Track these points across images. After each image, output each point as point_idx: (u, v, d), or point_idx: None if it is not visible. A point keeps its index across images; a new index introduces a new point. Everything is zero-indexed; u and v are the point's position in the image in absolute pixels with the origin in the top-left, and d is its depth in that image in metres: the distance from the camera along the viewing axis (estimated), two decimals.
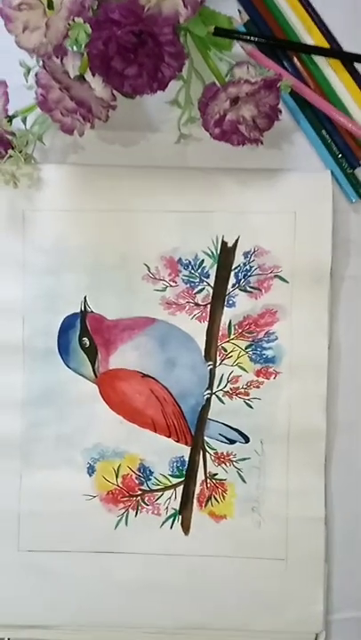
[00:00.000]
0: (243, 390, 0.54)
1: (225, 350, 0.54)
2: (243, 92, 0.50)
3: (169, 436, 0.54)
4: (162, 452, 0.54)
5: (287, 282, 0.54)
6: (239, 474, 0.54)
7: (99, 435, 0.54)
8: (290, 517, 0.53)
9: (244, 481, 0.54)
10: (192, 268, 0.54)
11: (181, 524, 0.54)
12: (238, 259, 0.54)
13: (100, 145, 0.56)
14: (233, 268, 0.54)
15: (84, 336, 0.54)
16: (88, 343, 0.54)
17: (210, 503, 0.54)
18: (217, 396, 0.54)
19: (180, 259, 0.54)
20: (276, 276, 0.54)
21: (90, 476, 0.54)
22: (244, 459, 0.54)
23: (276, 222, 0.54)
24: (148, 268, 0.54)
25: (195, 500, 0.54)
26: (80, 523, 0.54)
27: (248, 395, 0.54)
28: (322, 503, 0.54)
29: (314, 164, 0.56)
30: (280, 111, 0.52)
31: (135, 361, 0.54)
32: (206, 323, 0.54)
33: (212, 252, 0.54)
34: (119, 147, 0.56)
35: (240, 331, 0.54)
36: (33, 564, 0.54)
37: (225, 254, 0.54)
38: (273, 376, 0.54)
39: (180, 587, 0.53)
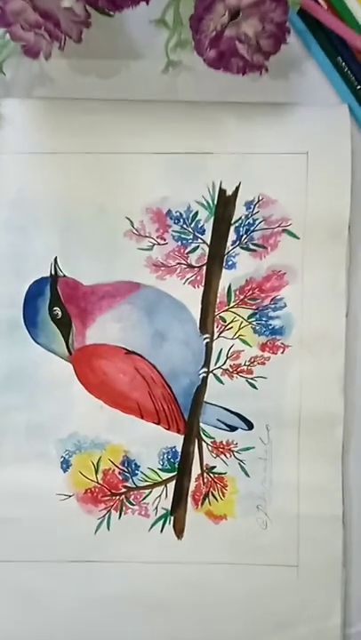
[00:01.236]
0: (245, 368, 0.49)
1: (224, 321, 0.49)
2: (244, 3, 0.43)
3: (158, 423, 0.49)
4: (150, 443, 0.49)
5: (298, 238, 0.48)
6: (241, 466, 0.49)
7: (74, 423, 0.49)
8: (302, 516, 0.48)
9: (247, 475, 0.49)
10: (184, 223, 0.49)
11: (174, 526, 0.49)
12: (239, 210, 0.49)
13: (72, 76, 0.50)
14: (233, 221, 0.49)
15: (55, 305, 0.49)
16: (60, 314, 0.49)
17: (207, 501, 0.49)
18: (215, 374, 0.49)
19: (169, 211, 0.49)
20: (284, 230, 0.49)
21: (64, 471, 0.49)
22: (248, 448, 0.49)
23: (285, 166, 0.48)
24: (130, 222, 0.49)
25: (189, 499, 0.49)
26: (53, 527, 0.49)
27: (251, 373, 0.49)
28: (339, 499, 0.48)
29: (328, 97, 0.50)
30: (288, 31, 0.45)
31: (117, 334, 0.49)
32: (201, 288, 0.49)
33: (208, 203, 0.49)
34: (95, 78, 0.50)
35: (242, 297, 0.49)
36: (1, 576, 0.49)
37: (223, 205, 0.49)
38: (281, 350, 0.49)
39: (173, 601, 0.48)
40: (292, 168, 0.48)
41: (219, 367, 0.49)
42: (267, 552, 0.48)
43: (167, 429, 0.49)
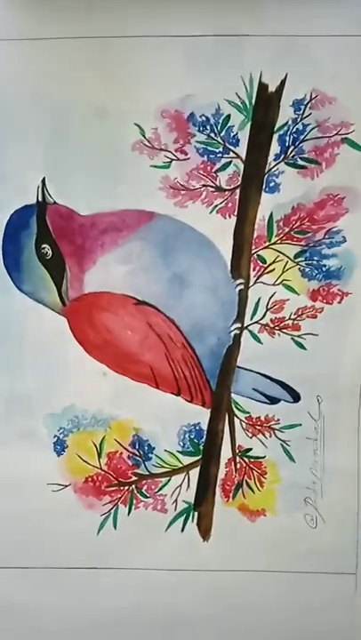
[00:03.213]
0: (291, 322, 0.43)
1: (263, 261, 0.43)
2: None
3: (177, 394, 0.44)
4: (167, 418, 0.44)
5: None
6: (285, 449, 0.44)
7: (71, 393, 0.44)
8: None
9: (292, 459, 0.44)
10: (211, 130, 0.42)
11: (198, 524, 0.44)
12: (286, 113, 0.42)
13: None
14: (276, 128, 0.42)
15: (43, 242, 0.43)
16: (50, 253, 0.43)
17: (241, 493, 0.44)
18: (250, 331, 0.44)
19: (192, 114, 0.42)
20: (344, 139, 0.42)
21: (58, 455, 0.44)
22: (293, 426, 0.44)
23: (345, 52, 0.41)
24: (141, 130, 0.43)
25: (218, 490, 0.44)
26: (44, 525, 0.44)
27: (299, 329, 0.43)
28: None
29: None
30: None
31: (124, 279, 0.43)
32: (234, 218, 0.43)
33: (244, 103, 0.42)
34: None
35: (287, 230, 0.43)
36: None
37: (264, 105, 0.42)
38: (338, 299, 0.43)
39: (198, 618, 0.44)
40: (357, 56, 0.42)
41: (256, 322, 0.43)
42: (318, 557, 0.44)
43: (189, 401, 0.44)
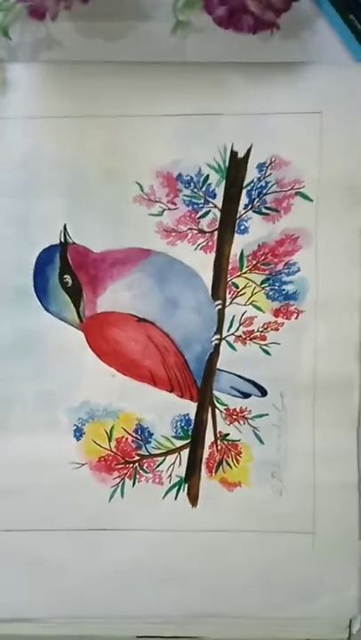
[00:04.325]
0: (258, 334, 0.48)
1: (236, 286, 0.48)
2: None
3: (171, 391, 0.48)
4: (163, 410, 0.48)
5: (311, 200, 0.47)
6: (256, 433, 0.48)
7: (87, 391, 0.48)
8: (317, 484, 0.48)
9: (261, 442, 0.48)
10: (195, 186, 0.47)
11: (188, 493, 0.48)
12: (251, 173, 0.47)
13: (78, 39, 0.48)
14: (245, 184, 0.47)
15: (65, 273, 0.48)
16: (71, 282, 0.48)
17: (221, 469, 0.48)
18: (227, 341, 0.48)
19: (179, 174, 0.47)
20: (297, 193, 0.47)
21: (77, 440, 0.48)
22: (262, 415, 0.48)
23: (298, 126, 0.47)
24: (140, 186, 0.47)
25: (203, 466, 0.48)
26: (67, 496, 0.48)
27: (265, 339, 0.48)
28: (355, 466, 0.48)
29: (341, 56, 0.48)
30: None
31: (128, 302, 0.48)
32: (213, 253, 0.48)
33: (220, 166, 0.47)
34: (102, 40, 0.48)
35: (254, 262, 0.48)
36: (11, 546, 0.48)
37: (235, 167, 0.47)
38: (295, 316, 0.48)
39: (187, 568, 0.48)
40: (306, 128, 0.46)
41: (231, 334, 0.48)
42: (282, 520, 0.48)
43: (180, 397, 0.48)
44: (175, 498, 0.48)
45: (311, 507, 0.48)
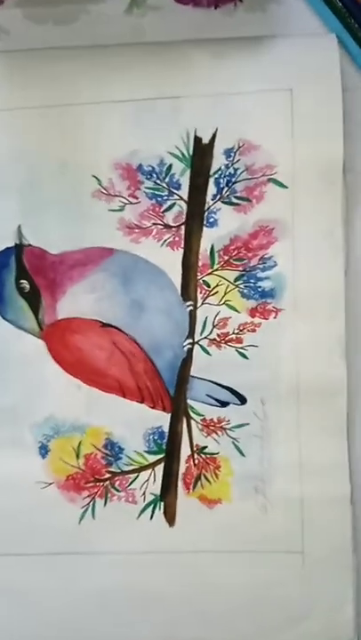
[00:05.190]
0: (234, 336, 0.45)
1: (208, 285, 0.45)
2: None
3: (141, 402, 0.46)
4: (134, 423, 0.46)
5: (286, 187, 0.44)
6: (235, 445, 0.46)
7: (51, 405, 0.46)
8: (305, 498, 0.45)
9: (242, 454, 0.46)
10: (157, 178, 0.45)
11: (164, 513, 0.46)
12: (218, 160, 0.45)
13: (27, 25, 0.46)
14: (212, 173, 0.45)
15: (21, 278, 0.45)
16: (28, 287, 0.45)
17: (199, 485, 0.46)
18: (200, 345, 0.46)
19: (140, 165, 0.45)
20: (270, 179, 0.45)
21: (43, 457, 0.46)
22: (241, 425, 0.46)
23: (267, 105, 0.44)
24: (98, 180, 0.45)
25: (180, 482, 0.46)
26: (34, 517, 0.46)
27: (241, 342, 0.45)
28: (346, 477, 0.45)
29: (312, 27, 0.45)
30: None
31: (91, 306, 0.45)
32: (181, 250, 0.45)
33: (183, 154, 0.45)
34: (53, 26, 0.46)
35: (226, 258, 0.45)
36: None
37: (200, 155, 0.45)
38: (273, 315, 0.45)
39: (169, 594, 0.46)
40: (275, 108, 0.44)
41: (205, 337, 0.45)
42: (268, 538, 0.45)
43: (152, 408, 0.46)
44: (151, 518, 0.46)
45: (299, 523, 0.45)
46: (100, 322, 0.45)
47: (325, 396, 0.44)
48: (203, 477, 0.46)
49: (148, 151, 0.45)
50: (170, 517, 0.46)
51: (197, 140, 0.44)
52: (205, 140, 0.44)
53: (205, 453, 0.46)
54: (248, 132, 0.44)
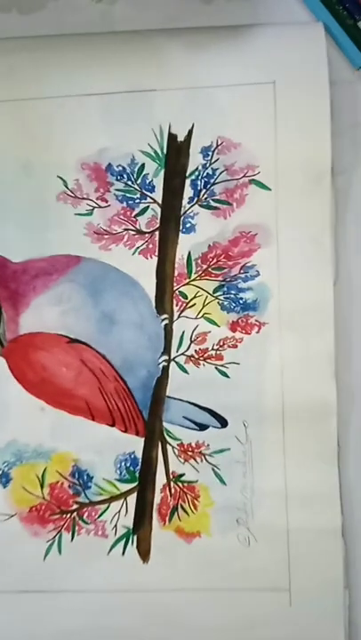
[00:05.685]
0: (214, 353, 0.44)
1: (185, 296, 0.44)
2: None
3: (112, 425, 0.44)
4: (103, 448, 0.44)
5: (269, 189, 0.43)
6: (216, 472, 0.44)
7: (12, 428, 0.44)
8: (292, 530, 0.43)
9: (223, 482, 0.44)
10: (128, 179, 0.43)
11: (138, 547, 0.44)
12: (195, 159, 0.43)
13: None
14: (188, 173, 0.43)
15: None
16: None
17: (176, 516, 0.44)
18: (177, 362, 0.44)
19: (109, 165, 0.43)
20: (251, 181, 0.43)
21: (4, 487, 0.44)
22: (222, 450, 0.44)
23: (248, 100, 0.42)
24: (64, 182, 0.43)
25: (154, 514, 0.44)
26: None
27: (222, 359, 0.44)
28: (337, 507, 0.43)
29: (297, 14, 0.44)
30: None
31: (57, 319, 0.43)
32: (155, 258, 0.44)
33: (157, 152, 0.43)
34: (17, 14, 0.44)
35: (204, 267, 0.43)
36: None
37: (175, 153, 0.43)
38: (256, 329, 0.43)
39: (141, 636, 0.43)
40: (257, 102, 0.42)
41: (182, 354, 0.44)
42: (252, 575, 0.43)
43: (124, 432, 0.44)
44: (122, 553, 0.44)
45: (285, 558, 0.43)
46: (67, 337, 0.43)
47: (314, 419, 0.43)
48: (180, 508, 0.44)
49: (118, 149, 0.43)
50: (144, 552, 0.44)
51: (172, 137, 0.43)
52: (181, 138, 0.43)
53: (183, 482, 0.44)
54: (227, 129, 0.43)
